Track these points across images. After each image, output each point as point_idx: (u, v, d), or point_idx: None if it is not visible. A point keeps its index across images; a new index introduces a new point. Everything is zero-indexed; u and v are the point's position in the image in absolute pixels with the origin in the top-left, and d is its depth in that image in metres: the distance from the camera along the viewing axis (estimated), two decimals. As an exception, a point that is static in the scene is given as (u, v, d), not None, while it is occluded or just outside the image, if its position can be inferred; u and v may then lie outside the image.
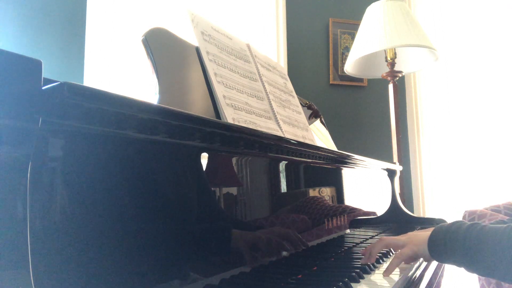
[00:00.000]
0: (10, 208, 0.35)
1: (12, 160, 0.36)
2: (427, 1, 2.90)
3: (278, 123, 1.04)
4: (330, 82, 2.73)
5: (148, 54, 0.78)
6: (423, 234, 0.73)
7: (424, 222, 1.52)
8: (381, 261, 0.86)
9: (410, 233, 0.82)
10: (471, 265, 0.66)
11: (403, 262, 0.76)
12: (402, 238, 0.77)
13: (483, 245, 0.64)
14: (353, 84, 2.77)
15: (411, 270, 0.85)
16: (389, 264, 0.72)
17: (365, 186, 1.35)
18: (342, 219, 1.06)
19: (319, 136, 1.48)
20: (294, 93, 1.29)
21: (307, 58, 2.70)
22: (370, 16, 2.12)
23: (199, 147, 0.57)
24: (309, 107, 1.54)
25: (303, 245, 0.81)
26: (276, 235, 0.74)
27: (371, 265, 0.81)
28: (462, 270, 0.72)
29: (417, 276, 0.86)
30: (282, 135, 0.99)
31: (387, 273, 0.72)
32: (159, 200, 0.49)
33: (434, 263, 0.97)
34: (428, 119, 2.85)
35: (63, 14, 2.15)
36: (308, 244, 0.83)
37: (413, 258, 0.77)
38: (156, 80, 0.76)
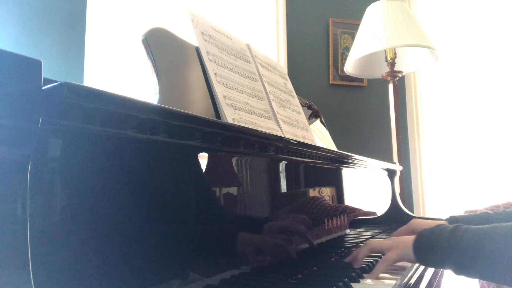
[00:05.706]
0: (10, 208, 0.35)
1: (12, 160, 0.36)
2: (427, 1, 2.90)
3: (278, 123, 1.04)
4: (330, 82, 2.73)
5: (148, 54, 0.78)
6: (408, 238, 0.75)
7: (424, 222, 1.52)
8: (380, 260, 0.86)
9: (394, 237, 0.83)
10: (456, 266, 0.67)
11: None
12: (387, 242, 0.78)
13: (468, 245, 0.65)
14: (353, 84, 2.77)
15: (411, 270, 0.85)
16: (375, 268, 0.73)
17: (365, 186, 1.35)
18: (342, 219, 1.06)
19: (319, 136, 1.48)
20: (294, 93, 1.29)
21: (307, 58, 2.70)
22: (370, 16, 2.12)
23: (199, 147, 0.57)
24: (309, 107, 1.54)
25: (303, 238, 0.81)
26: (276, 230, 0.74)
27: (371, 265, 0.81)
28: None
29: (417, 276, 0.86)
30: (282, 135, 0.99)
31: (373, 276, 0.73)
32: (160, 200, 0.49)
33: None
34: (428, 119, 2.85)
35: (63, 14, 2.15)
36: (308, 237, 0.83)
37: (399, 261, 0.78)
38: (156, 80, 0.76)
